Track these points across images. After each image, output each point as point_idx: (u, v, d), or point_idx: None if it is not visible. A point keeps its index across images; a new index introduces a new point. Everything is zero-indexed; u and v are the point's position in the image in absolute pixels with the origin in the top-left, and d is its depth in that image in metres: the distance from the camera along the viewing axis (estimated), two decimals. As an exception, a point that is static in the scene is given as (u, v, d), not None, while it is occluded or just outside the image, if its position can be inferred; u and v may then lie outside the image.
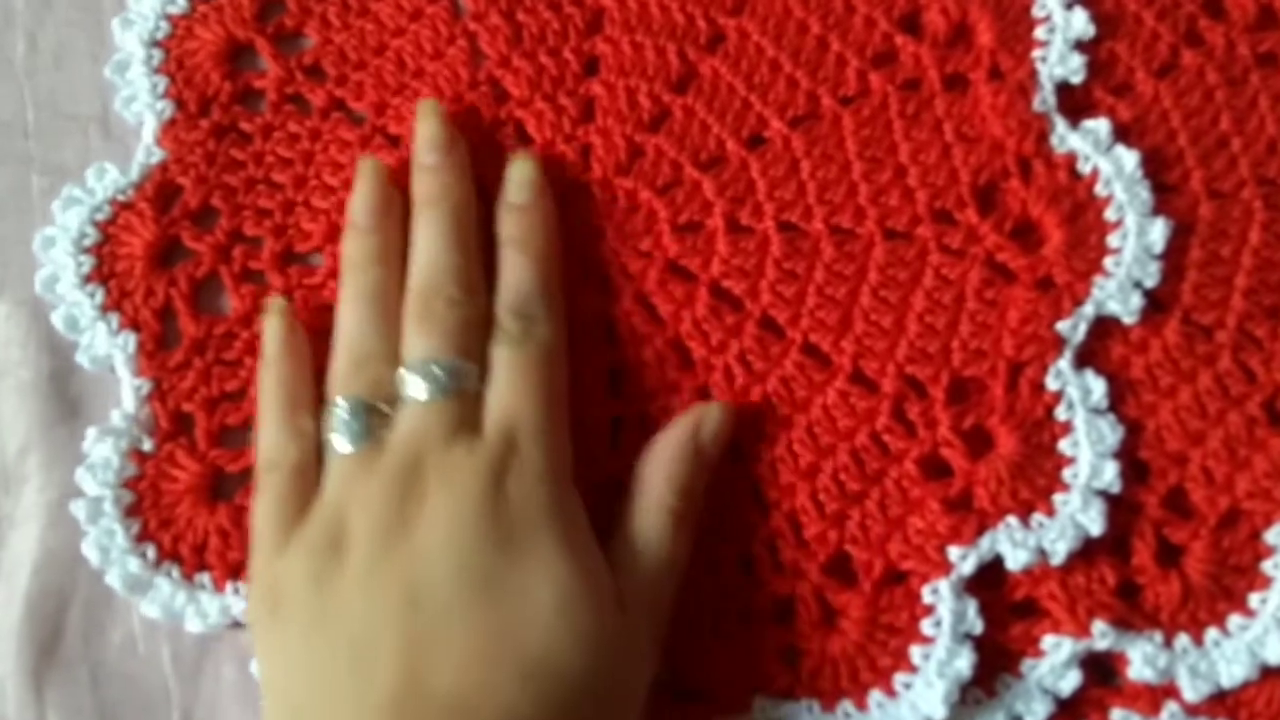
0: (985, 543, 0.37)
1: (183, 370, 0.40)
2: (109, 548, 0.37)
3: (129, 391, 0.39)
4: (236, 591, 0.37)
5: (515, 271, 0.38)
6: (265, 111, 0.43)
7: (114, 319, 0.40)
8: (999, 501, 0.37)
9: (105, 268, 0.41)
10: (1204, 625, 0.37)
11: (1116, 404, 0.38)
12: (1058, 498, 0.37)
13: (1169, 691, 0.37)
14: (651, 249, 0.40)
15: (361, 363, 0.36)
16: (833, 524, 0.38)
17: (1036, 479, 0.37)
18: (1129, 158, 0.40)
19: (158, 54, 0.43)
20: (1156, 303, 0.39)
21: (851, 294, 0.40)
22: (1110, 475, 0.37)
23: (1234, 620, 0.37)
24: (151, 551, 0.38)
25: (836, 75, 0.42)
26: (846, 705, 0.37)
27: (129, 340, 0.40)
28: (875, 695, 0.37)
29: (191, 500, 0.38)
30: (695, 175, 0.41)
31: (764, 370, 0.39)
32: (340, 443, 0.35)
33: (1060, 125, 0.40)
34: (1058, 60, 0.41)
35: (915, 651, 0.36)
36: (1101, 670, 0.37)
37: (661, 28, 0.43)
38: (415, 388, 0.35)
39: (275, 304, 0.39)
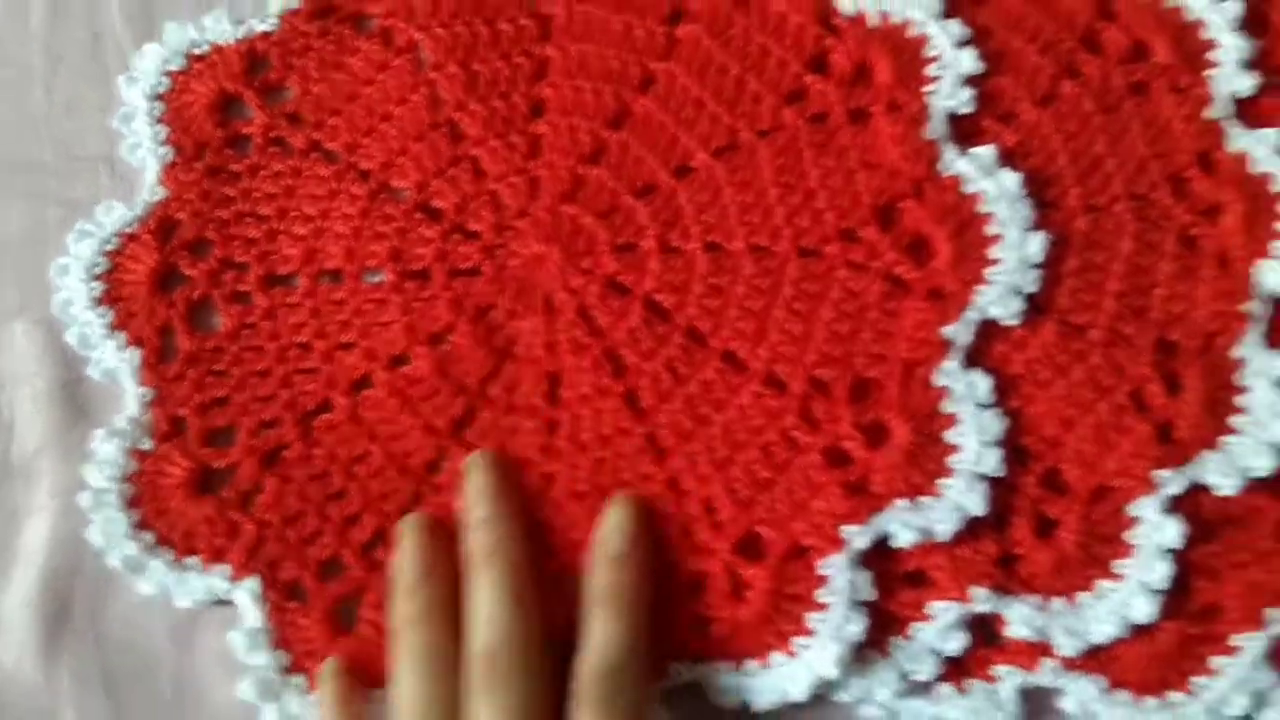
0: (877, 522, 0.42)
1: (179, 380, 0.45)
2: (111, 534, 0.43)
3: (133, 399, 0.45)
4: (220, 573, 0.43)
5: (600, 630, 0.37)
6: (252, 154, 0.48)
7: (121, 337, 0.46)
8: (892, 486, 0.42)
9: (113, 292, 0.47)
10: (1076, 589, 0.42)
11: (1000, 397, 0.43)
12: (944, 482, 0.42)
13: (1046, 649, 0.42)
14: (592, 267, 0.46)
15: None
16: (744, 508, 0.43)
17: (926, 465, 0.42)
18: (1010, 179, 0.45)
19: (159, 106, 0.49)
20: (1036, 306, 0.44)
21: (767, 306, 0.45)
22: (993, 461, 0.42)
23: (1103, 584, 0.41)
24: (148, 537, 0.43)
25: (754, 111, 0.47)
26: (752, 665, 0.41)
27: (134, 355, 0.46)
28: (777, 657, 0.41)
29: (182, 494, 0.44)
30: (630, 202, 0.46)
31: (687, 375, 0.44)
32: None
33: (949, 151, 0.45)
34: (948, 94, 0.46)
35: (813, 618, 0.41)
36: (988, 632, 0.42)
37: (599, 72, 0.48)
38: None
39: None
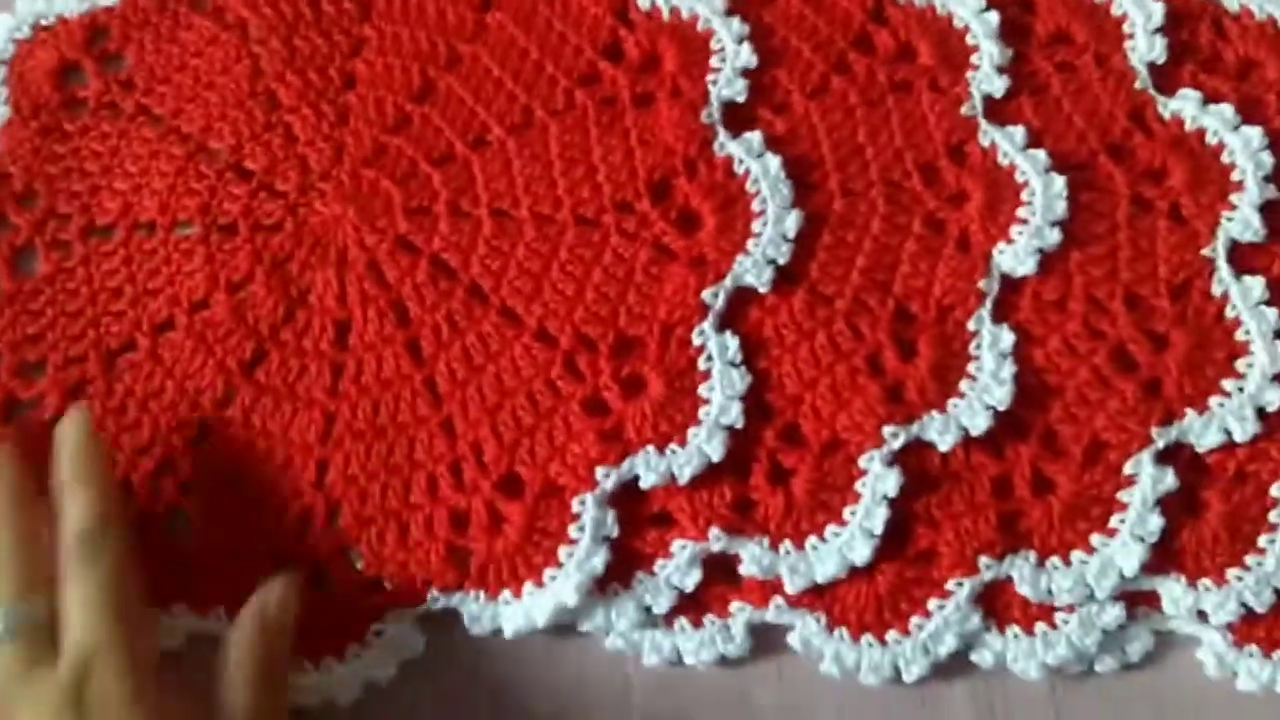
0: (626, 465, 0.45)
1: (-5, 317, 0.48)
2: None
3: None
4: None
5: (75, 503, 0.41)
6: (85, 116, 0.52)
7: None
8: (643, 434, 0.46)
9: (-55, 236, 0.50)
10: (806, 533, 0.45)
11: (750, 358, 0.47)
12: (691, 431, 0.45)
13: (777, 588, 0.45)
14: (386, 227, 0.49)
15: None
16: (507, 450, 0.46)
17: (676, 416, 0.46)
18: (774, 162, 0.49)
19: (2, 70, 0.53)
20: (790, 276, 0.48)
21: (544, 267, 0.48)
22: (735, 413, 0.46)
23: (830, 529, 0.45)
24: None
25: (549, 92, 0.51)
26: (506, 594, 0.45)
27: (-41, 294, 0.49)
28: (528, 586, 0.45)
29: (-10, 418, 0.47)
30: (427, 169, 0.50)
31: (466, 327, 0.48)
32: None
33: (722, 135, 0.49)
34: (726, 83, 0.50)
35: (562, 551, 0.45)
36: (727, 571, 0.45)
37: (410, 51, 0.52)
38: None
39: None
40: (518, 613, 0.45)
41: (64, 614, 0.39)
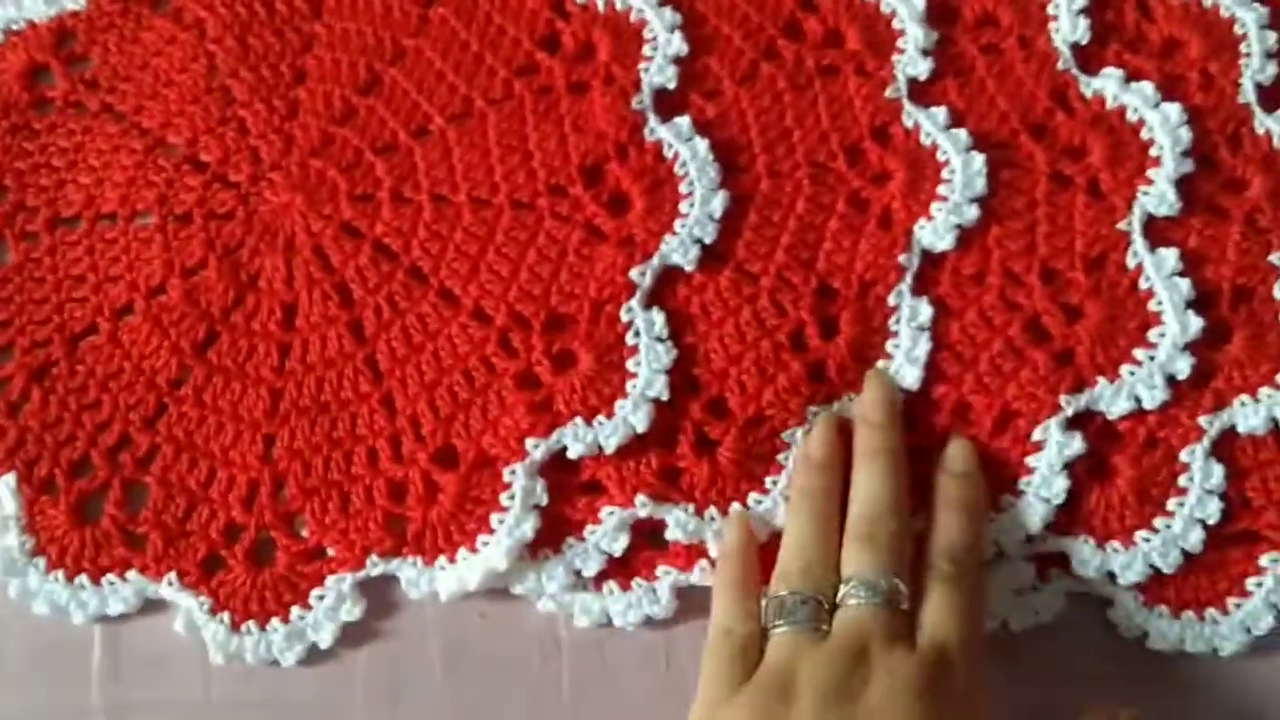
0: (555, 437, 0.47)
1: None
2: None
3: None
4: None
5: (955, 527, 0.45)
6: (52, 114, 0.55)
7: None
8: (571, 406, 0.48)
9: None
10: (730, 500, 0.47)
11: (678, 334, 0.49)
12: (619, 403, 0.48)
13: (702, 552, 0.47)
14: (331, 213, 0.52)
15: (808, 567, 0.44)
16: (444, 423, 0.48)
17: (604, 390, 0.48)
18: (702, 145, 0.51)
19: (-27, 72, 0.56)
20: (717, 255, 0.50)
21: (481, 250, 0.51)
22: (660, 387, 0.48)
23: (753, 496, 0.47)
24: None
25: (488, 82, 0.53)
26: (441, 560, 0.47)
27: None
28: (463, 552, 0.47)
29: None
30: (371, 158, 0.52)
31: (407, 307, 0.50)
32: (789, 624, 0.42)
33: (653, 120, 0.51)
34: (657, 71, 0.52)
35: (494, 518, 0.47)
36: (654, 536, 0.47)
37: (357, 46, 0.54)
38: (859, 594, 0.42)
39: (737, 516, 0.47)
40: (452, 577, 0.47)
41: (929, 610, 0.43)
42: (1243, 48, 0.52)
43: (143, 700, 0.47)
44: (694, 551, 0.47)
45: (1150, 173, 0.50)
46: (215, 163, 0.53)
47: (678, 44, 0.53)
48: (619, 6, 0.54)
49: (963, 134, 0.51)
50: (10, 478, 0.49)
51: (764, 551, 0.46)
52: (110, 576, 0.48)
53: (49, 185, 0.53)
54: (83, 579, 0.48)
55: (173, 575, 0.47)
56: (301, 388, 0.49)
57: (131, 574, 0.48)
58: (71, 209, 0.53)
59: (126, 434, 0.49)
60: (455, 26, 0.54)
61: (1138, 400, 0.47)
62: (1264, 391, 0.47)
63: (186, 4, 0.56)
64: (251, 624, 0.47)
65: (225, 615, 0.47)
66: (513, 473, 0.47)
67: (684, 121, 0.51)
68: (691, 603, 0.47)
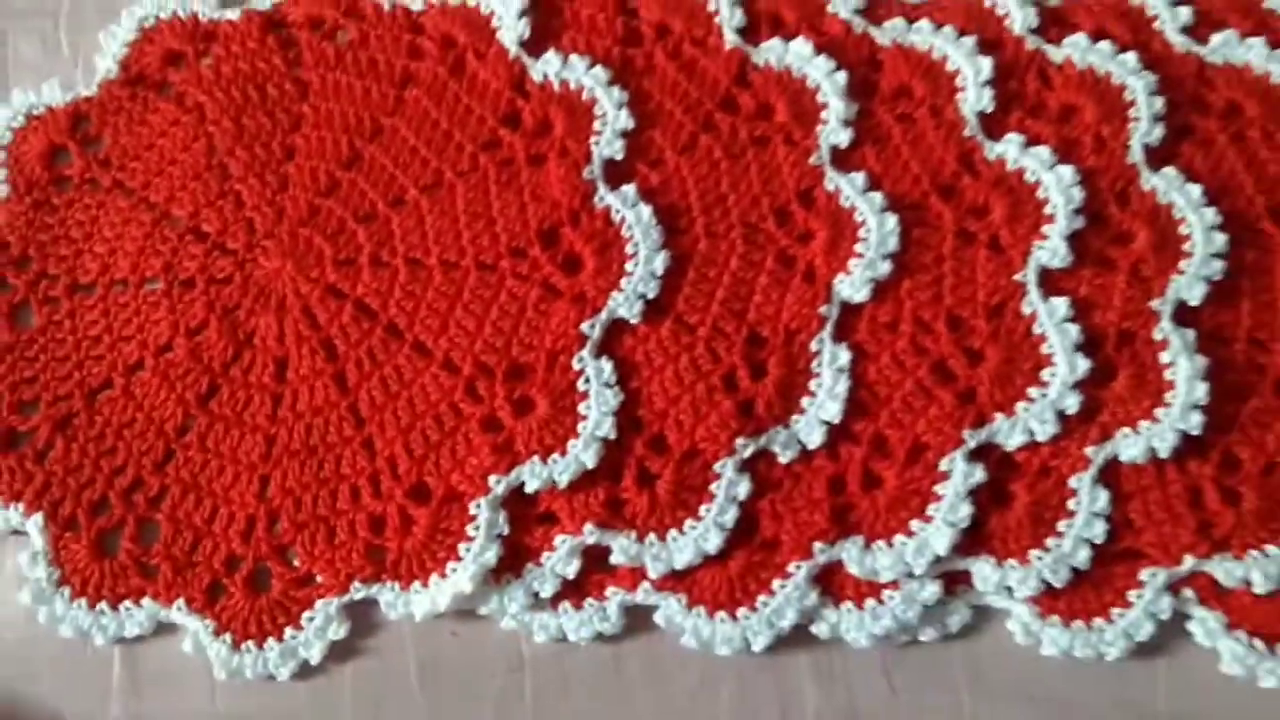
0: (515, 474, 0.53)
1: (-2, 363, 0.58)
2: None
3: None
4: (15, 509, 0.56)
5: None
6: (70, 191, 0.61)
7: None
8: (530, 446, 0.54)
9: (-45, 298, 0.60)
10: (667, 527, 0.53)
11: (624, 379, 0.55)
12: (572, 443, 0.54)
13: (645, 574, 0.53)
14: (318, 276, 0.58)
15: None
16: (417, 463, 0.55)
17: (558, 431, 0.54)
18: (645, 211, 0.57)
19: (2, 154, 0.62)
20: (659, 308, 0.56)
21: (450, 307, 0.57)
22: (608, 427, 0.54)
23: (688, 523, 0.53)
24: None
25: (456, 156, 0.60)
26: (416, 585, 0.53)
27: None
28: (434, 577, 0.53)
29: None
30: (353, 226, 0.59)
31: (385, 360, 0.56)
32: None
33: (602, 188, 0.58)
34: (607, 143, 0.59)
35: (462, 547, 0.53)
36: (603, 561, 0.53)
37: (340, 125, 0.61)
38: None
39: None
40: (425, 600, 0.53)
41: None
42: (1132, 112, 0.58)
43: (158, 711, 0.54)
44: (638, 573, 0.53)
45: (1045, 229, 0.56)
46: (215, 233, 0.59)
47: (625, 119, 0.59)
48: (573, 85, 0.60)
49: (878, 196, 0.57)
50: (39, 517, 0.55)
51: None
52: (127, 603, 0.54)
53: (68, 255, 0.60)
54: (103, 606, 0.54)
55: (181, 601, 0.54)
56: (292, 433, 0.56)
57: (145, 601, 0.54)
58: (88, 276, 0.59)
59: (139, 477, 0.56)
60: (427, 106, 0.61)
61: (1032, 433, 0.53)
62: (1144, 425, 0.53)
63: (188, 89, 0.62)
64: (250, 643, 0.54)
65: (227, 636, 0.54)
66: (478, 506, 0.53)
67: (630, 189, 0.57)
68: (637, 619, 0.53)
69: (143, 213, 0.60)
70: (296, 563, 0.54)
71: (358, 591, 0.54)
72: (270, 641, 0.54)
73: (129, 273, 0.59)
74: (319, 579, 0.54)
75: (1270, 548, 0.52)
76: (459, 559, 0.53)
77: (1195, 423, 0.52)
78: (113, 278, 0.59)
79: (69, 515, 0.55)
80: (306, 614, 0.54)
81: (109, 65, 0.63)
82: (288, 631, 0.54)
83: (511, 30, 0.61)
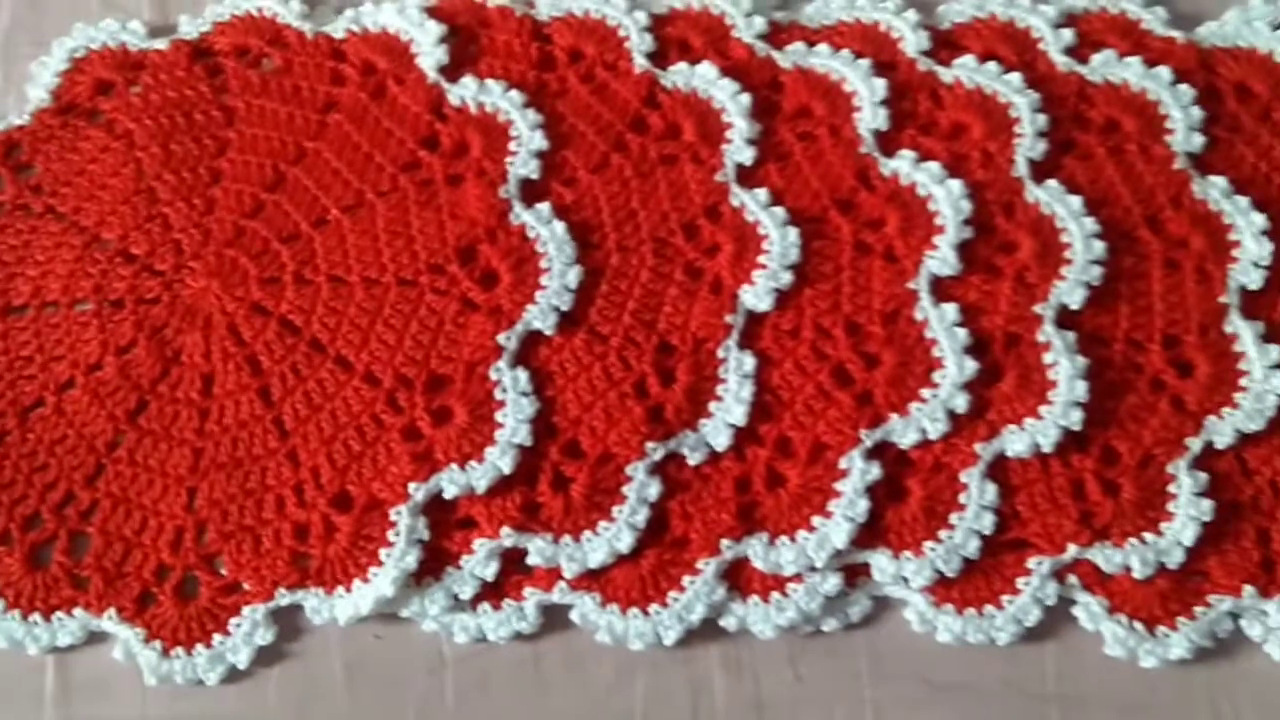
0: (434, 481, 0.56)
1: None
2: None
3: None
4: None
5: None
6: (3, 216, 0.63)
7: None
8: (449, 454, 0.56)
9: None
10: (581, 529, 0.56)
11: (540, 388, 0.57)
12: (489, 450, 0.56)
13: (560, 574, 0.55)
14: (243, 295, 0.60)
15: None
16: (340, 473, 0.57)
17: (476, 439, 0.56)
18: (559, 227, 0.60)
19: (-66, 182, 0.64)
20: (573, 320, 0.59)
21: (371, 322, 0.59)
22: (524, 434, 0.56)
23: (601, 525, 0.55)
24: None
25: (377, 177, 0.62)
26: (339, 590, 0.55)
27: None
28: (357, 582, 0.55)
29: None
30: (277, 246, 0.61)
31: (308, 374, 0.59)
32: None
33: (518, 206, 0.60)
34: (522, 164, 0.61)
35: (383, 553, 0.55)
36: (520, 562, 0.56)
37: (265, 149, 0.63)
38: None
39: None
40: (349, 604, 0.55)
41: None
42: (1017, 129, 0.62)
43: (90, 718, 0.55)
44: (554, 574, 0.56)
45: (936, 239, 0.59)
46: (143, 254, 0.61)
47: (539, 140, 0.61)
48: (489, 109, 0.63)
49: (780, 211, 0.60)
50: (-30, 533, 0.57)
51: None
52: (59, 614, 0.56)
53: (1, 278, 0.62)
54: (36, 616, 0.56)
55: (112, 611, 0.56)
56: (219, 446, 0.58)
57: (77, 611, 0.56)
58: (20, 298, 0.61)
59: (71, 491, 0.57)
60: (349, 130, 0.63)
61: (925, 432, 0.56)
62: (1029, 422, 0.56)
63: (117, 116, 0.65)
64: (180, 650, 0.55)
65: (157, 643, 0.56)
66: (398, 513, 0.56)
67: (545, 207, 0.60)
68: (554, 618, 0.56)
69: (73, 236, 0.62)
70: (224, 571, 0.56)
71: (283, 598, 0.56)
72: (199, 648, 0.55)
73: (60, 294, 0.61)
74: (246, 586, 0.56)
75: (1148, 535, 0.55)
76: (381, 564, 0.55)
77: (1076, 419, 0.56)
78: (44, 299, 0.61)
79: (2, 530, 0.57)
80: (234, 620, 0.56)
81: (41, 94, 0.65)
82: (216, 638, 0.55)
83: (430, 57, 0.63)
